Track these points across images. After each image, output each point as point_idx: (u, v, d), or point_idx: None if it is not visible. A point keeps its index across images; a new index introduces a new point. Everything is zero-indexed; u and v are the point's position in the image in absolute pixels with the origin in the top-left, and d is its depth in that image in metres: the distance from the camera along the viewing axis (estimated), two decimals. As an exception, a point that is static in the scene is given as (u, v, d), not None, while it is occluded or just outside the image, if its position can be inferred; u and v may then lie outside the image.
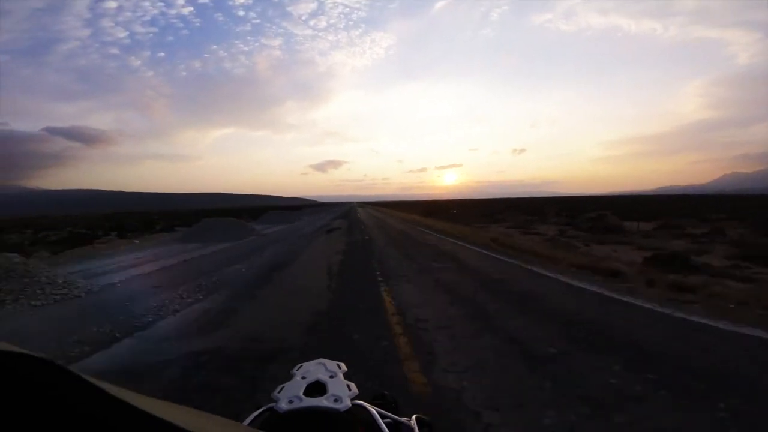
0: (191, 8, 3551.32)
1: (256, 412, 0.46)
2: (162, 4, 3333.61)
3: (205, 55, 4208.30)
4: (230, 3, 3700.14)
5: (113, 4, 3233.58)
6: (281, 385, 0.47)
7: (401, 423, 0.51)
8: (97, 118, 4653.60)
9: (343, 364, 0.54)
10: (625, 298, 5.21)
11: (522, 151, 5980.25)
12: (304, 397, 0.44)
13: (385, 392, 0.60)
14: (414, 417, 0.53)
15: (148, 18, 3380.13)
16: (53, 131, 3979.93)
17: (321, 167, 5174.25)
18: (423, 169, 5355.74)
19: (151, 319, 4.96)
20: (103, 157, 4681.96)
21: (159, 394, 0.27)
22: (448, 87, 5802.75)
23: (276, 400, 0.44)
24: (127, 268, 9.81)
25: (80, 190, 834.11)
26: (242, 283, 7.25)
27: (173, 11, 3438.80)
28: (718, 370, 2.98)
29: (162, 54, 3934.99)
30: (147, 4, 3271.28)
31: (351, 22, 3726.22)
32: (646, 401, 2.55)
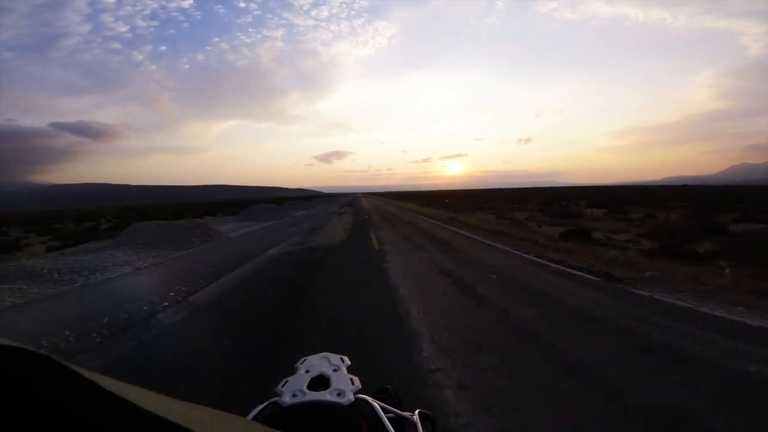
0: (191, 1, 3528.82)
1: (260, 407, 0.46)
2: None
3: (208, 48, 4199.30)
4: None
5: None
6: (285, 379, 0.48)
7: (404, 417, 0.51)
8: (103, 112, 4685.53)
9: (346, 358, 0.55)
10: (516, 252, 8.72)
11: (528, 140, 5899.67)
12: (307, 391, 0.45)
13: (388, 387, 0.59)
14: (417, 412, 0.53)
15: (148, 12, 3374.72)
16: (60, 126, 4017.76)
17: (326, 158, 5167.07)
18: (427, 159, 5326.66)
19: (269, 246, 11.75)
20: (110, 152, 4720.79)
21: (295, 258, 5.87)
22: (452, 76, 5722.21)
23: (280, 394, 0.45)
24: (243, 229, 17.22)
25: (88, 184, 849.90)
26: (303, 234, 14.24)
27: (173, 4, 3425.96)
28: (509, 270, 9.64)
29: (164, 48, 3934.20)
30: None
31: (353, 12, 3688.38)
32: (473, 269, 9.24)
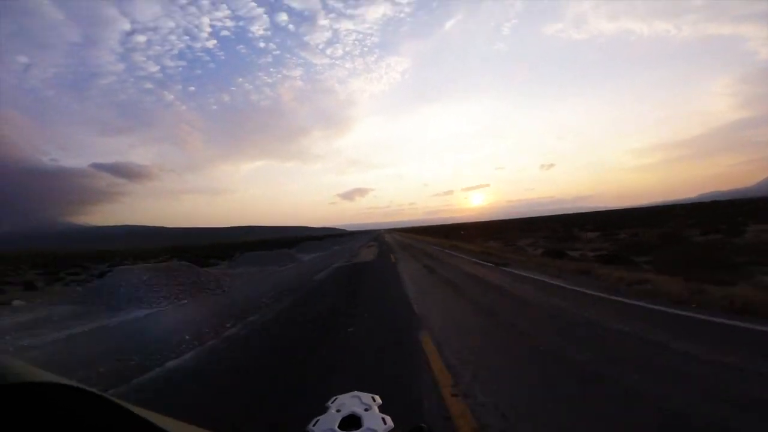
0: (215, 41, 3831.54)
1: None
2: (187, 37, 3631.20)
3: (233, 89, 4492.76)
4: (250, 35, 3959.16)
5: (142, 38, 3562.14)
6: (316, 418, 0.48)
7: None
8: (138, 153, 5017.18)
9: (377, 397, 0.54)
10: (479, 261, 17.77)
11: (551, 165, 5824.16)
12: (338, 430, 0.45)
13: (423, 425, 0.54)
14: None
15: (176, 52, 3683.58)
16: (99, 167, 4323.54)
17: (348, 196, 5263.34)
18: (449, 192, 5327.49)
19: (322, 271, 18.18)
20: (145, 193, 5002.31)
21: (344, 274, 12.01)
22: (467, 106, 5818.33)
23: None
24: (307, 256, 23.67)
25: (126, 226, 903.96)
26: (347, 256, 20.77)
27: (198, 44, 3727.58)
28: (466, 267, 15.69)
29: (193, 88, 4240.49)
30: (173, 37, 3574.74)
31: (365, 48, 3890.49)
32: (448, 269, 15.37)
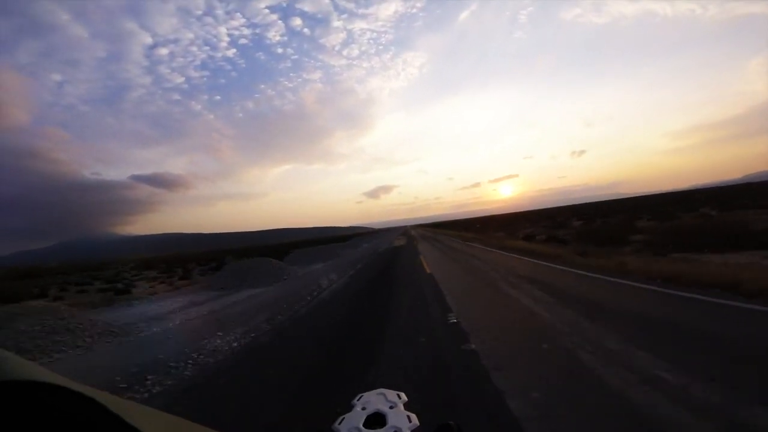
0: (234, 50, 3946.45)
1: None
2: (207, 47, 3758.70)
3: (256, 96, 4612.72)
4: (267, 42, 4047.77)
5: (165, 51, 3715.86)
6: (341, 416, 0.48)
7: None
8: (172, 162, 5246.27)
9: (403, 394, 0.54)
10: (480, 247, 26.31)
11: (582, 152, 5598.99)
12: (363, 429, 0.46)
13: (450, 422, 0.53)
14: None
15: (198, 62, 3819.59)
16: (138, 179, 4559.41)
17: (373, 194, 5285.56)
18: (476, 185, 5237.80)
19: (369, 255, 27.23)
20: (182, 201, 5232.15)
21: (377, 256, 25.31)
22: (489, 96, 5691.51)
23: None
24: (354, 249, 33.11)
25: (166, 234, 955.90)
26: (387, 243, 31.00)
27: (219, 54, 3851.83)
28: (460, 246, 24.22)
29: (218, 97, 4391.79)
30: (194, 48, 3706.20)
31: (381, 47, 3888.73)
32: (437, 242, 24.06)
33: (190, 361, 5.09)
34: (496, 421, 2.69)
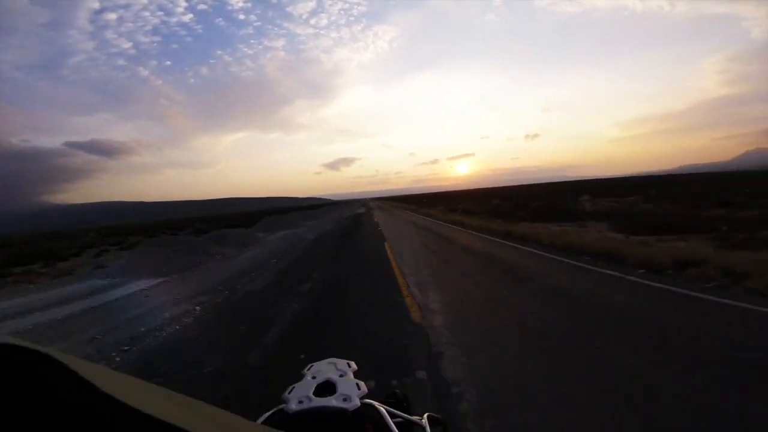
0: (191, 15, 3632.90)
1: (267, 414, 0.48)
2: (161, 13, 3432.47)
3: (212, 61, 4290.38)
4: (229, 8, 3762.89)
5: (113, 16, 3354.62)
6: (291, 386, 0.49)
7: (412, 422, 0.52)
8: (115, 130, 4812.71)
9: (353, 363, 0.55)
10: (409, 213, 34.46)
11: (535, 136, 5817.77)
12: (313, 397, 0.46)
13: (397, 391, 0.60)
14: (426, 416, 0.55)
15: (149, 28, 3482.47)
16: (74, 145, 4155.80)
17: (334, 165, 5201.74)
18: (435, 161, 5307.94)
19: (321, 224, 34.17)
20: (124, 169, 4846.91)
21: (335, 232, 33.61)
22: (456, 76, 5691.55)
23: (286, 401, 0.46)
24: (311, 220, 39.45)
25: (105, 202, 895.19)
26: (348, 212, 39.45)
27: (174, 19, 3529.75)
28: (398, 212, 31.50)
29: (169, 63, 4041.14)
30: (147, 14, 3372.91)
31: (352, 18, 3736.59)
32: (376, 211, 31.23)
33: (275, 260, 12.09)
34: (383, 256, 10.17)
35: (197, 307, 6.22)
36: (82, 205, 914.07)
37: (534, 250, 8.91)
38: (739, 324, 3.78)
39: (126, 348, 4.61)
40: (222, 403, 1.87)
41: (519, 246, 9.80)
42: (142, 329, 5.27)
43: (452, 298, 5.45)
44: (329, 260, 10.34)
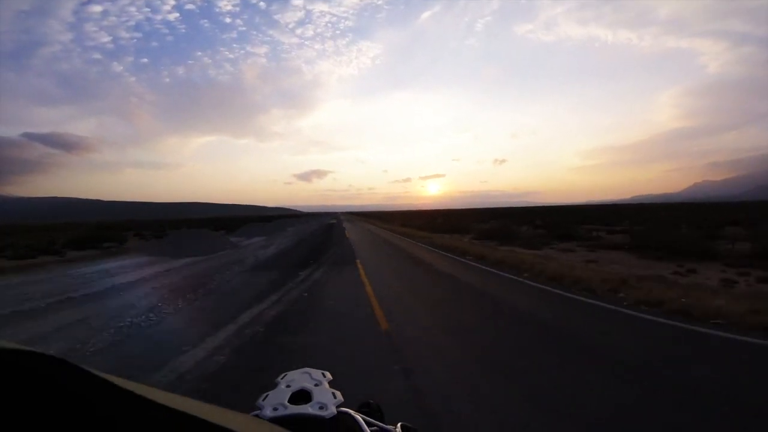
0: (177, 14, 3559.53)
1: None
2: (148, 9, 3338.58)
3: (190, 62, 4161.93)
4: (217, 10, 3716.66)
5: (98, 8, 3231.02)
6: (265, 393, 0.49)
7: (387, 430, 0.52)
8: (77, 124, 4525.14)
9: (328, 373, 0.55)
10: (379, 228, 37.59)
11: (503, 161, 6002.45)
12: (288, 405, 0.46)
13: (371, 401, 0.61)
14: (399, 425, 0.55)
15: (132, 23, 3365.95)
16: (32, 137, 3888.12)
17: (305, 177, 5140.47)
18: (408, 179, 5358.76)
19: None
20: (82, 165, 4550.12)
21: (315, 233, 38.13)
22: (433, 97, 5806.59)
23: (260, 408, 0.46)
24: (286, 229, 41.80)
25: (57, 198, 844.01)
26: (317, 225, 44.48)
27: (158, 17, 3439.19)
28: (370, 228, 34.62)
29: (145, 60, 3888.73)
30: (132, 9, 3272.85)
31: (338, 32, 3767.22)
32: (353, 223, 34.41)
33: (273, 246, 17.77)
34: (343, 242, 17.73)
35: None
36: (33, 198, 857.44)
37: (422, 245, 17.33)
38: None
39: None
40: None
41: (425, 245, 17.21)
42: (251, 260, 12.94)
43: (371, 248, 13.36)
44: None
